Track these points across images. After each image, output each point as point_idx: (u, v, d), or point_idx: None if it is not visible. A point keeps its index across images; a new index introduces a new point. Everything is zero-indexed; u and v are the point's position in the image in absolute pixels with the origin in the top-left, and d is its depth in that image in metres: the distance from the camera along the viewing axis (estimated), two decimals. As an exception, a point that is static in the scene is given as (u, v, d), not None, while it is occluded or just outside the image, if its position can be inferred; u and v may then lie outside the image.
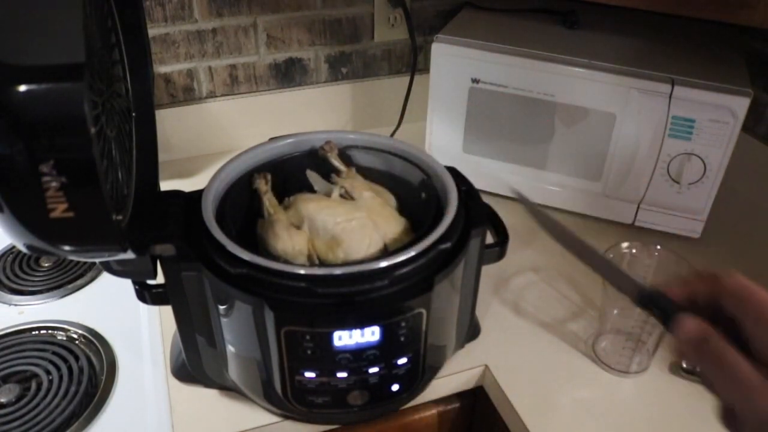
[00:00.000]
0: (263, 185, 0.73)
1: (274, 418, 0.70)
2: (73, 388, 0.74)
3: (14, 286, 0.89)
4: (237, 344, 0.65)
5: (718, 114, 0.85)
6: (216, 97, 1.14)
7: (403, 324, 0.62)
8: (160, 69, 1.08)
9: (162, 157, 0.85)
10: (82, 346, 0.79)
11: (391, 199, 0.76)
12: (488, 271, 0.77)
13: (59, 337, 0.81)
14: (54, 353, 0.78)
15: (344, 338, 0.61)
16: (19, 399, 0.72)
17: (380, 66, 1.22)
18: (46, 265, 0.93)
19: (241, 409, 0.71)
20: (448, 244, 0.64)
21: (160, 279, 0.63)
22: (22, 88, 0.41)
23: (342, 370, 0.63)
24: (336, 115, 1.22)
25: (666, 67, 0.89)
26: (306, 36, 1.13)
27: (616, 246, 0.75)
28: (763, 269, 0.93)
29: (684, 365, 0.75)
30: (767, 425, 0.35)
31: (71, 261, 0.92)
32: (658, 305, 0.41)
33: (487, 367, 0.76)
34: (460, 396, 0.80)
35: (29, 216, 0.45)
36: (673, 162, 0.90)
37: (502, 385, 0.74)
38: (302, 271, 0.60)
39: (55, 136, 0.42)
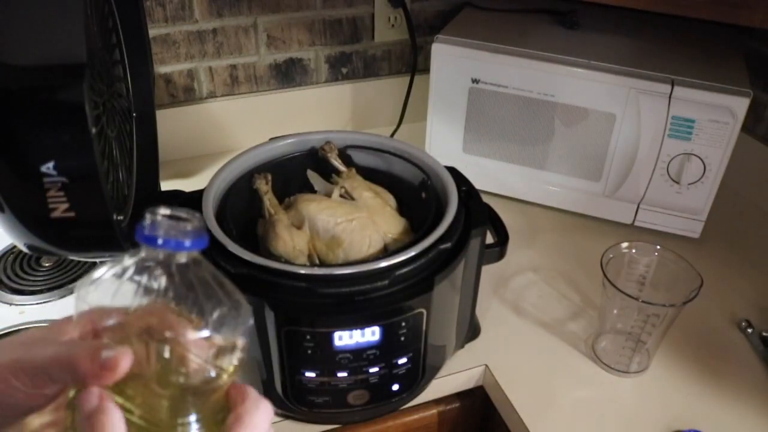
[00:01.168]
0: (263, 185, 0.73)
1: (275, 418, 0.70)
2: (73, 388, 0.74)
3: (15, 285, 0.89)
4: (237, 344, 0.65)
5: (718, 114, 0.85)
6: (216, 97, 1.14)
7: (403, 324, 0.62)
8: (161, 69, 1.08)
9: (162, 157, 0.86)
10: (82, 346, 0.79)
11: (391, 199, 0.76)
12: (488, 271, 0.77)
13: (60, 337, 0.81)
14: (54, 353, 0.78)
15: (344, 338, 0.61)
16: (19, 399, 0.72)
17: (380, 66, 1.22)
18: (47, 264, 0.93)
19: (242, 409, 0.71)
20: (448, 244, 0.64)
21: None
22: (24, 88, 0.41)
23: (342, 370, 0.63)
24: (336, 115, 1.22)
25: (666, 67, 0.89)
26: (306, 36, 1.13)
27: (616, 246, 0.75)
28: (763, 269, 0.93)
29: None
30: None
31: (72, 261, 0.92)
32: None
33: (487, 367, 0.77)
34: (460, 396, 0.80)
35: (30, 216, 0.45)
36: (673, 162, 0.90)
37: (502, 385, 0.74)
38: (303, 271, 0.60)
39: (56, 136, 0.42)
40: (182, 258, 0.34)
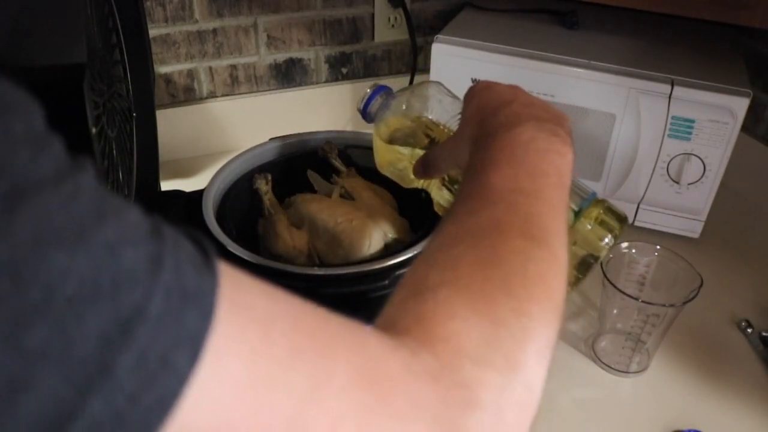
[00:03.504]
0: (264, 185, 0.74)
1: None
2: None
3: (15, 286, 0.89)
4: (237, 344, 0.65)
5: (718, 114, 0.85)
6: (216, 97, 1.14)
7: (403, 324, 0.62)
8: (161, 69, 1.08)
9: (162, 157, 0.86)
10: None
11: (391, 200, 0.76)
12: (488, 271, 0.77)
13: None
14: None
15: (344, 338, 0.61)
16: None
17: (380, 66, 1.22)
18: (47, 265, 0.93)
19: (242, 409, 0.71)
20: (448, 244, 0.64)
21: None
22: (23, 88, 0.41)
23: (342, 370, 0.63)
24: (336, 115, 1.22)
25: (666, 67, 0.89)
26: (306, 36, 1.14)
27: (616, 246, 0.75)
28: (763, 269, 0.93)
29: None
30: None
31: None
32: None
33: (487, 366, 0.76)
34: (460, 396, 0.79)
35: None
36: (672, 162, 0.90)
37: (502, 384, 0.74)
38: (303, 271, 0.60)
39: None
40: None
